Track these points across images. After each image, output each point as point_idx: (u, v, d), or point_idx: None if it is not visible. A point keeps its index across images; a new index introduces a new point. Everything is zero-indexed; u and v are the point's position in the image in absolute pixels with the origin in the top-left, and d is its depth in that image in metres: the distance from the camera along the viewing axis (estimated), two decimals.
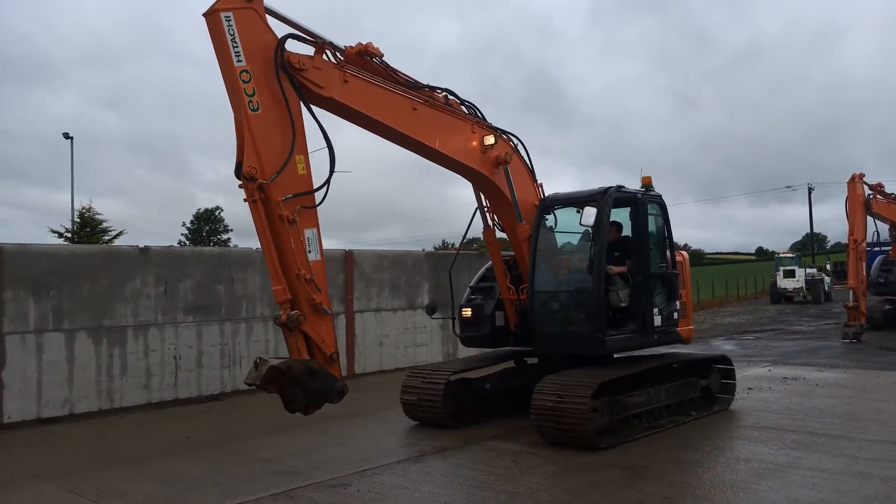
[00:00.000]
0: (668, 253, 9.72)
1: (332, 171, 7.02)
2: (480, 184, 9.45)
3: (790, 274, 40.54)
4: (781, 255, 45.67)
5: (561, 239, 9.90)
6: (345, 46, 7.60)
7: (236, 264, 13.26)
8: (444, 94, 8.69)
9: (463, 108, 8.98)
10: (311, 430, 9.54)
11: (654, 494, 6.54)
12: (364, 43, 7.67)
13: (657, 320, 9.29)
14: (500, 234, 10.18)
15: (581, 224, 8.75)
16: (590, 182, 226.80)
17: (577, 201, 9.36)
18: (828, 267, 47.45)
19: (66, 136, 38.41)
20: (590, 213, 8.57)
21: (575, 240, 9.84)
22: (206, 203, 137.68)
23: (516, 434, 8.98)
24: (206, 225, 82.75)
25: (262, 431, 9.58)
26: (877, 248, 23.90)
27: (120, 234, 36.49)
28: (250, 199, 6.61)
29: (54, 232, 34.94)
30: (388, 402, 10.83)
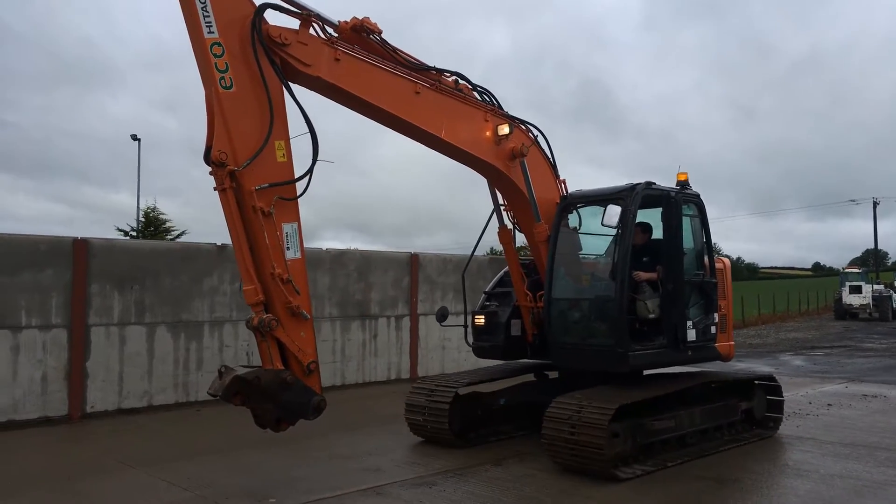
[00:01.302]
0: (705, 259, 8.65)
1: (314, 160, 6.40)
2: (494, 178, 8.60)
3: (856, 290, 39.29)
4: (847, 271, 44.32)
5: (584, 241, 8.82)
6: (338, 22, 6.84)
7: (308, 263, 13.37)
8: (453, 77, 7.84)
9: (475, 94, 8.12)
10: (385, 431, 9.62)
11: None
12: (360, 17, 6.91)
13: (691, 334, 8.26)
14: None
15: (603, 224, 7.84)
16: None
17: (601, 199, 8.35)
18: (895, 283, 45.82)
19: (134, 137, 39.54)
20: (613, 213, 7.70)
21: (599, 242, 8.78)
22: None
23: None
24: None
25: (338, 428, 9.62)
26: None
27: (182, 233, 37.54)
28: (219, 188, 6.01)
29: (120, 230, 36.12)
30: None
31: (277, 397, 6.10)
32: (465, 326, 9.43)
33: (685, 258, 8.37)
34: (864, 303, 38.80)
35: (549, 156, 8.89)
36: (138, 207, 37.16)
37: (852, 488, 6.95)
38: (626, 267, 7.75)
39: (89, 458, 8.20)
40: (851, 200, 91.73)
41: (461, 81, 7.96)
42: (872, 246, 72.90)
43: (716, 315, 8.73)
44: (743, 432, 9.18)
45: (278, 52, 6.34)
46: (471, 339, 9.38)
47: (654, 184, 8.29)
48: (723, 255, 10.33)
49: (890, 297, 40.36)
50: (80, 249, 10.74)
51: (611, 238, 8.54)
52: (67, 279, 10.59)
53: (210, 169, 6.10)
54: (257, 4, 6.27)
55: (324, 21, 6.71)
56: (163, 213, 37.57)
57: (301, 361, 6.28)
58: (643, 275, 8.08)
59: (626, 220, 7.77)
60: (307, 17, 6.54)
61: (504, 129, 8.09)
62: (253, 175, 6.11)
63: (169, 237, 36.14)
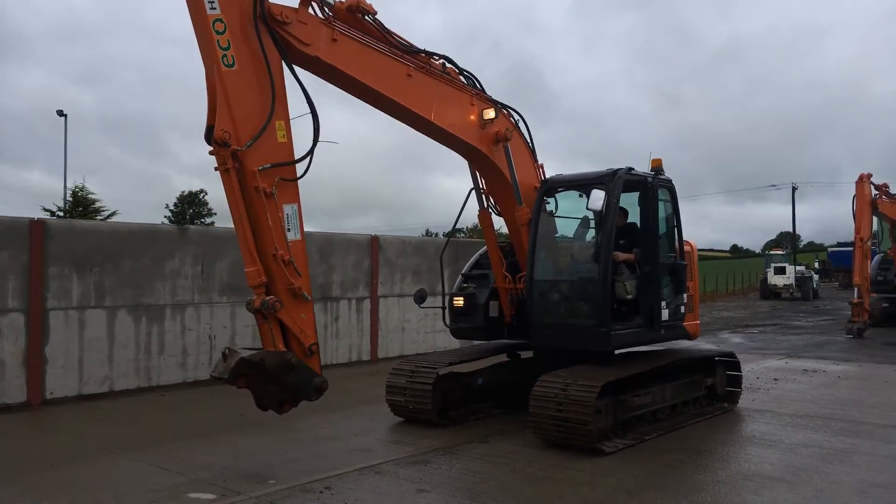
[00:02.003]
0: (676, 242, 9.03)
1: (315, 141, 6.39)
2: (478, 162, 8.70)
3: (781, 271, 41.26)
4: (772, 253, 46.45)
5: (563, 224, 9.07)
6: (334, 1, 6.82)
7: None
8: (441, 61, 7.91)
9: (461, 77, 8.22)
10: (361, 412, 9.68)
11: (708, 481, 6.74)
12: None
13: (664, 314, 8.59)
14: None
15: (588, 208, 8.08)
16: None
17: (582, 184, 8.60)
18: (816, 265, 48.32)
19: (60, 113, 37.92)
20: (597, 197, 7.88)
21: (578, 226, 9.16)
22: (182, 185, 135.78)
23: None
24: (190, 208, 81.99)
25: (315, 410, 9.53)
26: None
27: (113, 213, 36.19)
28: (222, 168, 5.91)
29: (47, 210, 34.56)
30: None
31: (281, 379, 6.09)
32: (444, 308, 9.50)
33: (662, 240, 8.70)
34: (788, 283, 40.80)
35: (529, 141, 9.04)
36: (65, 187, 35.75)
37: (818, 456, 7.44)
38: (611, 250, 8.01)
39: (66, 445, 7.98)
40: (772, 185, 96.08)
41: (448, 65, 8.02)
42: (785, 229, 76.66)
43: (685, 295, 9.14)
44: (707, 406, 9.64)
45: (278, 31, 6.28)
46: (448, 321, 9.49)
47: (633, 169, 8.55)
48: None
49: (811, 277, 42.58)
50: (37, 231, 10.33)
51: (590, 221, 8.86)
52: (24, 262, 10.18)
53: (211, 148, 6.01)
54: None
55: (322, 2, 6.71)
56: (92, 193, 36.12)
57: (302, 343, 6.28)
58: (621, 255, 8.35)
59: (609, 203, 8.00)
60: None
61: (490, 114, 8.22)
62: (255, 155, 6.04)
63: (99, 217, 34.82)
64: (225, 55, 5.96)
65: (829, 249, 66.47)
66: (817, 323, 25.44)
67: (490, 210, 9.25)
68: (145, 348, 11.49)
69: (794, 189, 63.59)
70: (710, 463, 7.24)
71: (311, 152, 6.39)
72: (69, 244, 10.67)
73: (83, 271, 10.81)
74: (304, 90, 6.39)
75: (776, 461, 7.24)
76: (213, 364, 6.19)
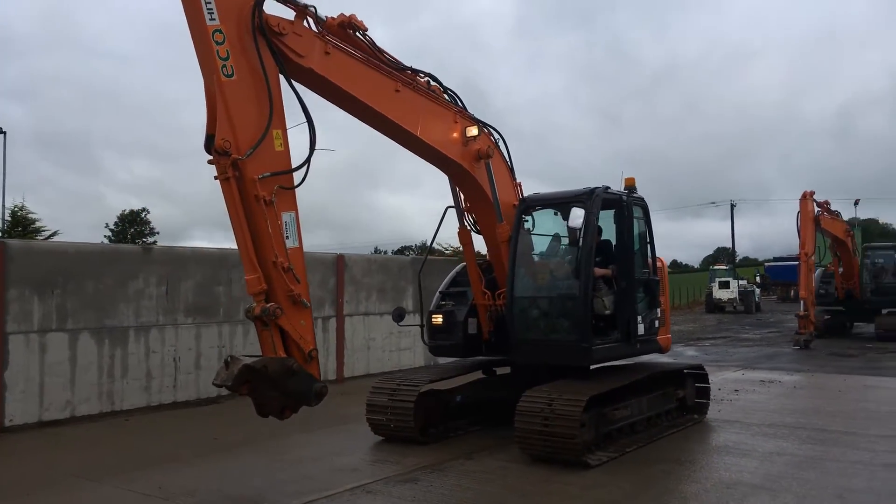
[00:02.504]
0: (650, 258, 9.33)
1: (312, 149, 6.45)
2: (459, 178, 8.83)
3: (725, 285, 42.53)
4: (716, 268, 47.87)
5: (540, 242, 9.35)
6: (326, 17, 7.00)
7: (237, 266, 13.03)
8: (426, 79, 8.16)
9: (445, 96, 8.46)
10: (339, 431, 9.63)
11: (694, 491, 6.94)
12: (347, 14, 7.10)
13: (640, 329, 8.86)
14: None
15: (569, 226, 8.32)
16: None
17: (560, 202, 8.91)
18: (757, 279, 49.95)
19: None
20: (577, 215, 8.12)
21: (550, 241, 9.39)
22: (118, 204, 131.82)
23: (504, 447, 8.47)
24: (132, 227, 79.94)
25: (292, 430, 9.46)
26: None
27: (55, 233, 35.02)
28: (222, 177, 5.97)
29: None
30: None
31: (283, 385, 6.11)
32: (422, 326, 9.56)
33: (637, 257, 8.95)
34: (733, 297, 42.09)
35: (509, 160, 9.22)
36: (3, 205, 34.40)
37: (792, 464, 7.71)
38: (591, 266, 8.20)
39: (36, 473, 7.69)
40: (712, 203, 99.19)
41: (433, 83, 8.21)
42: (722, 244, 79.20)
43: (659, 310, 9.45)
44: (678, 418, 9.88)
45: (275, 42, 6.38)
46: (427, 339, 9.53)
47: (610, 188, 8.82)
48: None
49: (753, 291, 44.01)
50: None
51: (561, 238, 9.07)
52: None
53: (211, 157, 6.04)
54: None
55: (316, 16, 6.80)
56: (32, 213, 34.87)
57: (302, 349, 6.30)
58: (599, 271, 8.56)
59: (589, 221, 8.22)
60: (303, 8, 6.63)
61: (472, 131, 8.42)
62: (255, 164, 6.12)
63: (39, 237, 33.66)
64: (224, 65, 6.03)
65: (767, 264, 68.83)
66: (764, 335, 26.28)
67: (469, 227, 9.35)
68: (108, 371, 11.16)
69: (732, 206, 65.97)
70: (692, 473, 7.44)
71: (308, 161, 6.45)
72: (30, 265, 10.33)
73: (44, 293, 10.48)
74: (300, 100, 6.47)
75: (754, 469, 7.48)
76: (216, 373, 6.10)
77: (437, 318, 9.35)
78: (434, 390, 9.32)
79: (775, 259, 62.58)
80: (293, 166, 6.44)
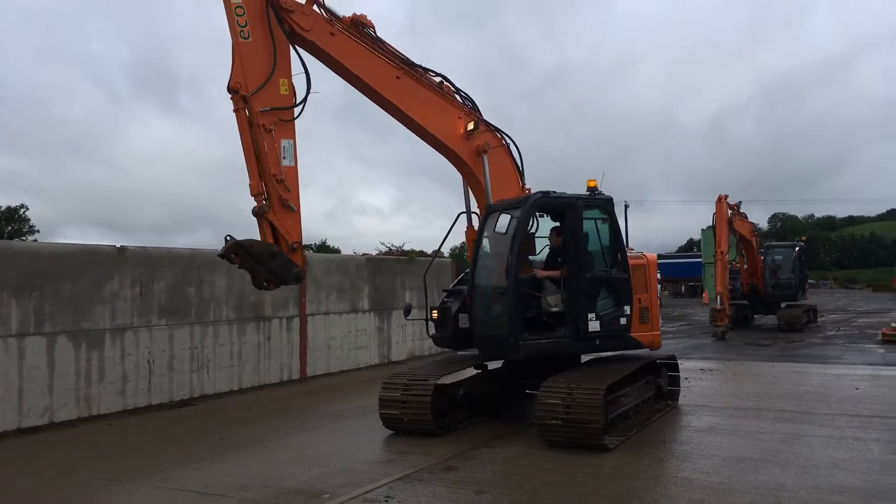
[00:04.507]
0: (618, 256, 9.58)
1: (308, 91, 8.20)
2: (460, 167, 9.87)
3: None
4: None
5: (500, 243, 9.57)
6: (341, 16, 8.74)
7: (206, 266, 12.89)
8: (439, 79, 9.55)
9: (457, 96, 9.68)
10: (339, 429, 9.81)
11: (714, 465, 7.70)
12: (358, 14, 8.84)
13: (594, 325, 9.13)
14: None
15: (494, 231, 9.06)
16: (407, 190, 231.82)
17: (508, 208, 9.39)
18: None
19: None
20: (503, 222, 9.00)
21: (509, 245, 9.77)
22: None
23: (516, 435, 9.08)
24: (9, 225, 74.81)
25: (291, 429, 9.68)
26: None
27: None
28: (235, 109, 7.80)
29: None
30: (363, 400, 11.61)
31: (267, 263, 7.74)
32: (427, 320, 10.15)
33: (595, 256, 9.50)
34: None
35: (518, 163, 9.98)
36: None
37: (778, 440, 8.60)
38: (517, 267, 8.84)
39: (56, 479, 7.46)
40: None
41: (445, 83, 9.54)
42: None
43: (628, 308, 9.68)
44: (656, 404, 10.69)
45: (284, 17, 8.13)
46: (431, 331, 10.13)
47: (552, 193, 9.32)
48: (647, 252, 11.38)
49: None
50: None
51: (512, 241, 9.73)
52: None
53: (230, 96, 7.80)
54: None
55: (323, 5, 8.56)
56: None
57: (287, 240, 7.89)
58: (542, 273, 9.38)
59: (518, 227, 8.87)
60: None
61: (469, 126, 9.58)
62: (259, 100, 7.84)
63: None
64: (242, 30, 7.92)
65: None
66: (679, 328, 28.06)
67: (475, 228, 9.93)
68: (85, 376, 10.83)
69: (626, 206, 69.29)
70: (699, 450, 8.17)
71: (304, 100, 8.17)
72: (7, 268, 9.91)
73: (22, 296, 10.07)
74: (300, 59, 8.26)
75: (751, 446, 8.31)
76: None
77: (434, 313, 10.05)
78: (439, 384, 9.69)
79: (660, 257, 66.12)
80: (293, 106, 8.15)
